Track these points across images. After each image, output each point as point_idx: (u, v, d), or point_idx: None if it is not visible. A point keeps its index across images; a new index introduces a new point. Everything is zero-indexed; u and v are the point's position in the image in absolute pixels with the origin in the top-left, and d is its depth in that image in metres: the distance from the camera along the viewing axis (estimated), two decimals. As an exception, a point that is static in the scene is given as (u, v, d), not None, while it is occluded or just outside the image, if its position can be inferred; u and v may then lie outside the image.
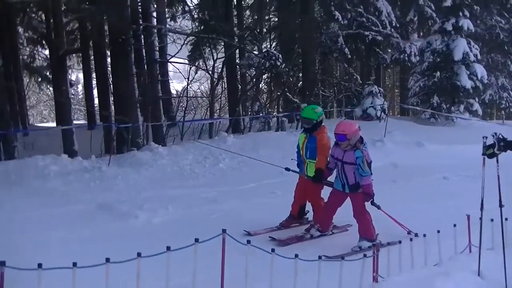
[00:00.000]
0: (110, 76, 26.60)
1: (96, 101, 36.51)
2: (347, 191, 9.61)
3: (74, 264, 4.90)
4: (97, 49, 28.11)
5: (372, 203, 9.73)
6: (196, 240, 5.61)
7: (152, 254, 5.38)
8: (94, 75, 35.81)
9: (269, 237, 9.95)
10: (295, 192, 10.98)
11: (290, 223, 10.85)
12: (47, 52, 38.96)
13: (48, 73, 41.16)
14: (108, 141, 21.38)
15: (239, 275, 6.23)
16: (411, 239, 7.73)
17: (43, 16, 33.69)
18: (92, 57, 33.61)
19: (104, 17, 21.87)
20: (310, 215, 11.08)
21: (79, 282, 4.87)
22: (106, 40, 25.16)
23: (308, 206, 11.07)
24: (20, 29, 35.74)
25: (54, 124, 40.89)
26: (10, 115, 23.99)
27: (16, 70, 31.41)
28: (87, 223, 11.08)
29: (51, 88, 44.70)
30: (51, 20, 26.07)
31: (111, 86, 26.32)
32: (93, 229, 10.52)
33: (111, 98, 28.10)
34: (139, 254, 5.23)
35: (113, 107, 27.84)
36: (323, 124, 10.53)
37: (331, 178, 10.25)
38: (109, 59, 26.97)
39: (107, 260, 5.03)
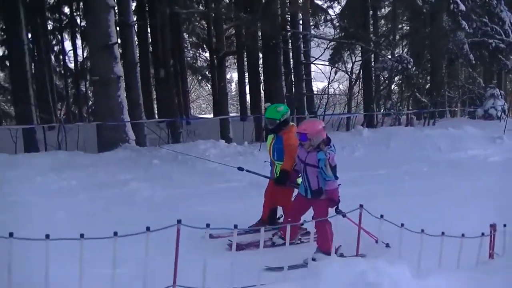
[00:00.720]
0: (262, 75, 27.17)
1: (248, 96, 37.26)
2: (309, 197, 7.97)
3: (235, 226, 5.23)
4: (250, 52, 28.61)
5: (336, 210, 7.76)
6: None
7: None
8: (246, 74, 36.41)
9: (229, 240, 8.29)
10: (264, 195, 9.52)
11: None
12: (207, 54, 40.10)
13: (207, 72, 42.26)
14: (258, 130, 21.97)
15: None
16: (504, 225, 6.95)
17: (204, 24, 34.72)
18: (246, 58, 34.23)
19: (258, 25, 22.27)
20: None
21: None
22: (259, 44, 25.60)
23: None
24: (185, 35, 36.83)
25: (211, 116, 41.89)
26: (178, 107, 25.06)
27: (182, 70, 32.42)
28: (241, 197, 11.49)
29: (209, 85, 45.89)
30: (212, 27, 26.82)
31: (262, 83, 26.87)
32: (246, 203, 10.86)
33: (262, 94, 28.59)
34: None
35: (263, 101, 28.34)
36: (291, 123, 9.11)
37: None
38: (261, 61, 27.53)
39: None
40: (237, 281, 5.61)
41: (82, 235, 4.62)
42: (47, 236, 4.47)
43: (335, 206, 7.75)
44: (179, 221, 5.11)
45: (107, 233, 4.90)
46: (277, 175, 8.94)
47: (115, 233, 4.74)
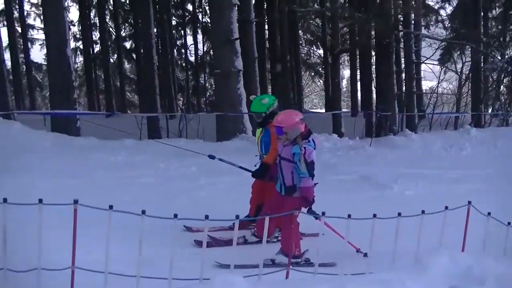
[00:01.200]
0: (373, 73, 27.14)
1: (359, 93, 37.21)
2: (283, 194, 7.15)
3: (349, 216, 5.38)
4: (363, 50, 28.57)
5: (309, 211, 6.99)
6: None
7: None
8: (358, 71, 36.35)
9: (208, 236, 7.46)
10: (251, 190, 8.62)
11: (246, 224, 8.37)
12: (320, 51, 40.21)
13: (320, 69, 42.39)
14: (369, 126, 22.01)
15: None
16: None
17: (319, 21, 34.88)
18: (358, 56, 34.17)
19: (372, 24, 22.27)
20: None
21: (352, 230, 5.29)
22: (372, 43, 25.55)
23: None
24: (300, 32, 37.07)
25: (322, 110, 42.02)
26: (292, 100, 25.47)
27: (297, 65, 32.76)
28: (352, 189, 11.59)
29: (321, 81, 46.05)
30: (326, 26, 26.95)
31: (374, 81, 26.85)
32: (358, 195, 10.96)
33: (373, 91, 28.58)
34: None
35: (374, 98, 28.33)
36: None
37: None
38: (373, 59, 27.51)
39: (374, 215, 5.42)
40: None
41: (207, 216, 4.86)
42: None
43: (308, 206, 6.99)
44: (296, 208, 5.32)
45: (228, 216, 5.28)
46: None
47: (237, 216, 4.97)
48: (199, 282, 4.92)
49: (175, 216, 4.70)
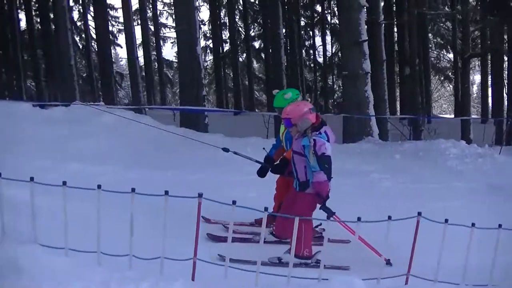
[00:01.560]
0: (506, 78, 26.29)
1: (490, 99, 36.14)
2: (297, 190, 6.74)
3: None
4: (495, 55, 27.72)
5: (322, 207, 6.49)
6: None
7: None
8: (489, 77, 35.31)
9: (224, 226, 7.85)
10: (276, 187, 8.17)
11: (268, 222, 7.11)
12: (450, 55, 39.39)
13: (449, 73, 41.50)
14: (499, 133, 21.42)
15: None
16: None
17: (449, 25, 34.17)
18: (490, 61, 33.20)
19: (505, 27, 21.64)
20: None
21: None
22: (505, 47, 24.78)
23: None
24: (430, 35, 36.43)
25: (451, 116, 41.11)
26: (421, 105, 25.13)
27: (426, 69, 32.25)
28: (478, 199, 11.17)
29: (451, 86, 45.10)
30: (457, 29, 26.35)
31: (506, 87, 26.04)
32: (484, 204, 10.58)
33: (505, 98, 27.72)
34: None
35: (506, 105, 27.46)
36: None
37: None
38: (506, 64, 26.67)
39: (500, 225, 5.24)
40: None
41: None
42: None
43: (322, 203, 6.49)
44: (419, 213, 5.22)
45: (350, 217, 5.29)
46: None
47: (359, 219, 4.95)
48: (318, 281, 4.94)
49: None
